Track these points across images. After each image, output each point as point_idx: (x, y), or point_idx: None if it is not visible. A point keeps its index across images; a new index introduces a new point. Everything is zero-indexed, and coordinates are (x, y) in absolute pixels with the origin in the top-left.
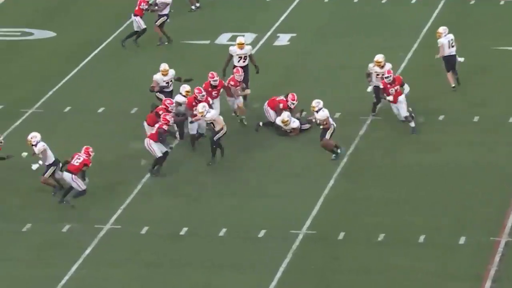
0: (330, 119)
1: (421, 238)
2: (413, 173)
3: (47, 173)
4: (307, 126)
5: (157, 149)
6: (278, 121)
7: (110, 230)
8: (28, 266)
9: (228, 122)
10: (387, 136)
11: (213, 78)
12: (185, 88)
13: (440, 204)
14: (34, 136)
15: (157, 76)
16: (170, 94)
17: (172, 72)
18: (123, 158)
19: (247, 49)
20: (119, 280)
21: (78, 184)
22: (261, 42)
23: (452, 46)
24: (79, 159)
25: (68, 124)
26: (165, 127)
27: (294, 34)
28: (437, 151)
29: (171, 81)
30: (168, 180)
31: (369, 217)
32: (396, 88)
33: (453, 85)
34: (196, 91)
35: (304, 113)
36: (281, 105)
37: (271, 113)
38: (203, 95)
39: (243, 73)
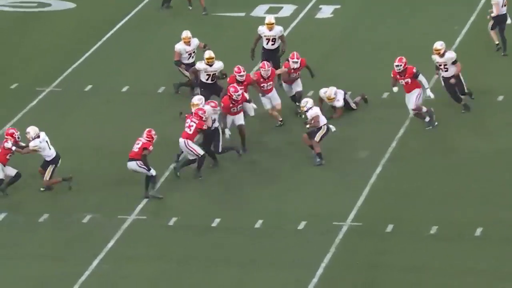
0: (324, 120)
1: (478, 231)
2: (467, 160)
3: (46, 173)
4: (354, 106)
5: (198, 148)
6: (322, 93)
7: (135, 222)
8: (44, 261)
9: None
10: (437, 119)
11: (239, 72)
12: (209, 54)
13: (497, 194)
14: (28, 132)
15: (179, 46)
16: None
17: (195, 42)
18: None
19: (277, 30)
20: (145, 277)
21: (145, 170)
22: (301, 15)
23: (504, 5)
24: (138, 143)
25: (89, 105)
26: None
27: (338, 6)
28: (494, 136)
29: (193, 52)
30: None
31: (420, 208)
32: (407, 80)
33: (497, 42)
34: (235, 69)
35: (349, 92)
36: (285, 69)
37: (284, 87)
38: (242, 75)
39: (269, 68)
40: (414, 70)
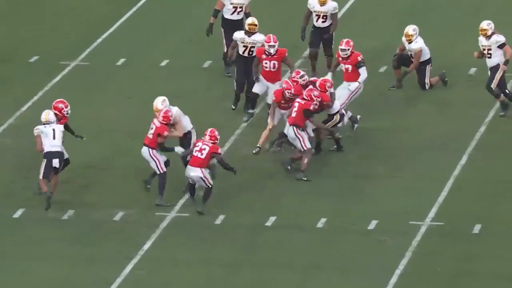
0: (339, 109)
1: None
2: None
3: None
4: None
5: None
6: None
7: (176, 219)
8: (69, 264)
9: None
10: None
11: (269, 42)
12: (253, 20)
13: None
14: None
15: None
16: (236, 27)
17: None
18: (192, 125)
19: (330, 6)
20: (188, 283)
21: (207, 181)
22: None
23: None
24: (204, 150)
25: (121, 81)
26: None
27: None
28: None
29: (240, 8)
30: (247, 155)
31: None
32: (347, 67)
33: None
34: (265, 38)
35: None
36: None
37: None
38: (274, 46)
39: (305, 78)
40: (359, 59)
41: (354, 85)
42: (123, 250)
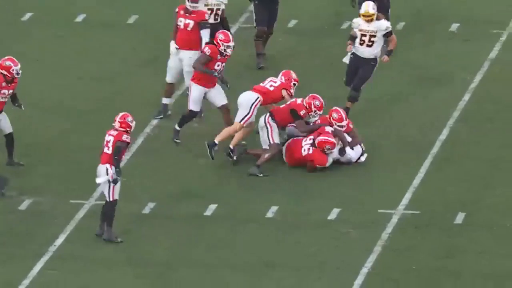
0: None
1: None
2: None
3: None
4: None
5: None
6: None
7: (95, 208)
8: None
9: None
10: None
11: (227, 41)
12: None
13: None
14: None
15: None
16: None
17: None
18: None
19: None
20: (110, 286)
21: (111, 191)
22: None
23: None
24: (109, 142)
25: (37, 41)
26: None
27: None
28: None
29: None
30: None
31: (504, 188)
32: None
33: None
34: (220, 36)
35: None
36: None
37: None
38: (230, 47)
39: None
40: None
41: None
42: (30, 246)
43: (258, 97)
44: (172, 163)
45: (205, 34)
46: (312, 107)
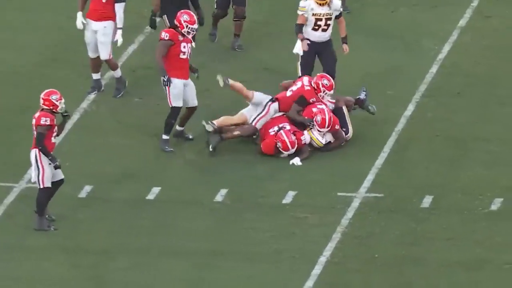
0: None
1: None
2: None
3: None
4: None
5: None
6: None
7: (27, 192)
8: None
9: None
10: None
11: (192, 23)
12: None
13: None
14: None
15: None
16: None
17: None
18: None
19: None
20: (45, 277)
21: (40, 178)
22: None
23: None
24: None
25: None
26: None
27: None
28: None
29: None
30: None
31: (475, 169)
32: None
33: None
34: (183, 16)
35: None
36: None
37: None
38: (194, 29)
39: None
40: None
41: None
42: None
43: (272, 98)
44: (112, 142)
45: (119, 8)
46: (320, 86)
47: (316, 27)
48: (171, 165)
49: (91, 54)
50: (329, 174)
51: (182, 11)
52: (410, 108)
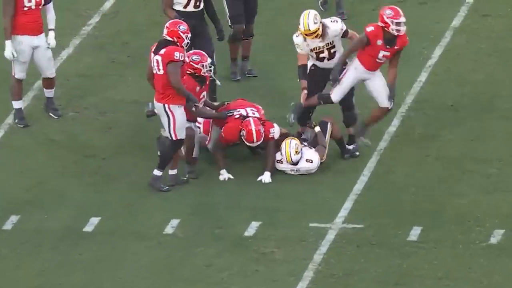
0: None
1: None
2: None
3: None
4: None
5: None
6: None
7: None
8: None
9: None
10: None
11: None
12: None
13: None
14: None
15: None
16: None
17: None
18: None
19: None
20: None
21: None
22: None
23: None
24: None
25: None
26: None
27: None
28: None
29: None
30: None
31: (471, 196)
32: (386, 53)
33: None
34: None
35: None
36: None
37: None
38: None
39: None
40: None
41: None
42: None
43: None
44: (43, 164)
45: (51, 6)
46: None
47: (321, 59)
48: (112, 191)
49: (21, 75)
50: (299, 202)
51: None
52: (395, 123)
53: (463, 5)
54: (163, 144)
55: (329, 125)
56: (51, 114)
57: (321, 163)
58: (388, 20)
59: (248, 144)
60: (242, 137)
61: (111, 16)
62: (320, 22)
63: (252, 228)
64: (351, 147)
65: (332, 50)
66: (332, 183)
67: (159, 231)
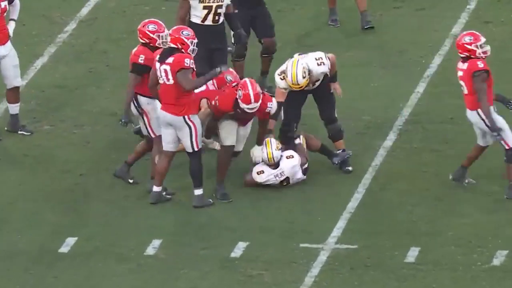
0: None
1: None
2: None
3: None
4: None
5: None
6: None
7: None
8: None
9: None
10: None
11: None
12: None
13: None
14: None
15: None
16: None
17: None
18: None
19: None
20: None
21: None
22: None
23: None
24: None
25: None
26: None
27: None
28: None
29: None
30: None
31: (468, 214)
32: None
33: None
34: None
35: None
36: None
37: None
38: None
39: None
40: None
41: None
42: None
43: None
44: (16, 180)
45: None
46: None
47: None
48: (90, 209)
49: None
50: (289, 220)
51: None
52: (391, 137)
53: (463, 11)
54: (121, 171)
55: (301, 137)
56: (21, 132)
57: (305, 169)
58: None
59: (244, 107)
60: (239, 99)
61: (88, 23)
62: (309, 74)
63: (238, 249)
64: (336, 160)
65: (317, 82)
66: (324, 200)
67: (139, 252)
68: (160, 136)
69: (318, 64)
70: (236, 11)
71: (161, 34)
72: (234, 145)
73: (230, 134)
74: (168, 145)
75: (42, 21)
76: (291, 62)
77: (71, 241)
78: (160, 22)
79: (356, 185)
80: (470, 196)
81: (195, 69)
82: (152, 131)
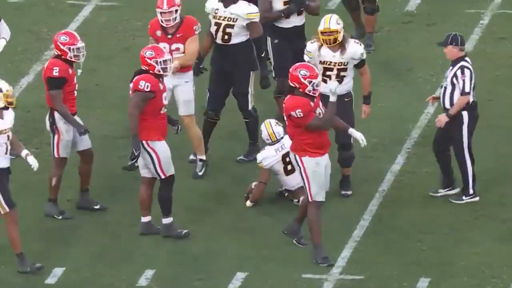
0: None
1: None
2: None
3: None
4: None
5: None
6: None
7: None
8: None
9: None
10: None
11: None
12: None
13: None
14: None
15: None
16: None
17: None
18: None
19: None
20: None
21: None
22: None
23: None
24: None
25: None
26: None
27: None
28: None
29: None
30: None
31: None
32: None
33: None
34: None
35: None
36: None
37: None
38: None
39: None
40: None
41: None
42: None
43: None
44: None
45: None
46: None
47: (324, 79)
48: (78, 237)
49: None
50: (291, 249)
51: (148, 46)
52: (399, 160)
53: (476, 26)
54: (50, 208)
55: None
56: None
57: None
58: None
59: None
60: None
61: None
62: (343, 29)
63: (237, 280)
64: (343, 192)
65: (341, 73)
66: (328, 228)
67: (131, 284)
68: (62, 159)
69: (355, 42)
70: (276, 41)
71: (71, 47)
72: (324, 201)
73: (321, 189)
74: (142, 170)
75: (28, 37)
76: (325, 17)
77: (58, 271)
78: (75, 34)
79: (362, 211)
80: (483, 224)
81: (155, 92)
82: (57, 151)
